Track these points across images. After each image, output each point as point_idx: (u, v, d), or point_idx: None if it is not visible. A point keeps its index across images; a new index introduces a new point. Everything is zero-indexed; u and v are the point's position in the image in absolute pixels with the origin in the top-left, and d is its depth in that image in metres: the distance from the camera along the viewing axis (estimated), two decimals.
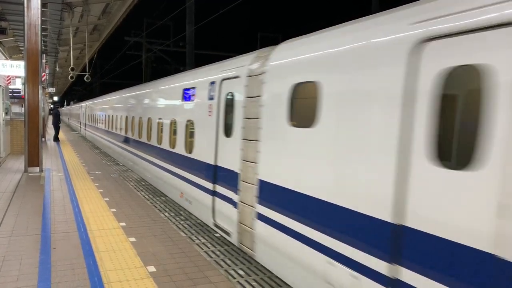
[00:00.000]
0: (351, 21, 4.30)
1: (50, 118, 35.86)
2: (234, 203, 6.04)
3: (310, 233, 4.25)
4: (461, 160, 3.01)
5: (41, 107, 12.20)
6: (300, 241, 4.40)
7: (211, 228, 6.96)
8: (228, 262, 5.47)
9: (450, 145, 3.25)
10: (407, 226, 3.15)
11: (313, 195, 4.23)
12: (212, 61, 7.91)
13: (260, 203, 5.25)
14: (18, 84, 17.24)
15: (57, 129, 23.59)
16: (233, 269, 5.22)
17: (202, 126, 7.46)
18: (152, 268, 5.02)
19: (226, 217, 6.30)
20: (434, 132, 3.01)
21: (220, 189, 6.56)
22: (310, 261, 4.24)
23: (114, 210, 7.80)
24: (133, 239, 6.12)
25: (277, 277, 5.01)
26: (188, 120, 8.11)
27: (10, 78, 15.71)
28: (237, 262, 5.49)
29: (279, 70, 5.13)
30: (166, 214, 7.81)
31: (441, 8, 3.07)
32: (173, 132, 9.13)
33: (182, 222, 7.33)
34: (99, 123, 21.36)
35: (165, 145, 9.55)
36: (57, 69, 30.28)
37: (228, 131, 6.40)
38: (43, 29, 13.29)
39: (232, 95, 6.36)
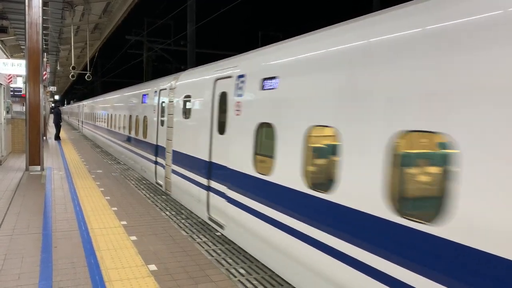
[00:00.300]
0: (201, 66, 9.06)
1: (51, 116, 35.90)
2: (163, 166, 9.94)
3: (192, 176, 7.90)
4: (221, 130, 6.72)
5: (42, 106, 12.21)
6: (186, 180, 8.22)
7: (212, 227, 6.97)
8: (229, 261, 5.48)
9: (223, 125, 6.62)
10: (212, 162, 6.95)
11: (187, 152, 8.26)
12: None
13: (173, 163, 9.13)
14: (19, 83, 17.26)
15: (58, 128, 23.60)
16: (234, 268, 5.22)
17: (149, 120, 11.41)
18: (153, 267, 5.03)
19: (160, 175, 10.29)
20: (217, 118, 6.96)
21: (158, 159, 10.47)
22: (191, 190, 7.92)
23: (115, 208, 7.80)
24: (134, 237, 6.12)
25: (277, 275, 5.01)
26: (143, 116, 12.18)
27: (11, 77, 15.72)
28: (238, 261, 5.49)
29: (180, 87, 9.21)
30: (167, 212, 7.82)
31: (221, 67, 7.17)
32: (130, 124, 13.89)
33: (183, 220, 7.33)
34: (92, 119, 26.75)
35: (127, 132, 14.55)
36: (58, 68, 30.30)
37: (162, 122, 10.16)
38: (44, 28, 13.29)
39: (163, 100, 10.22)
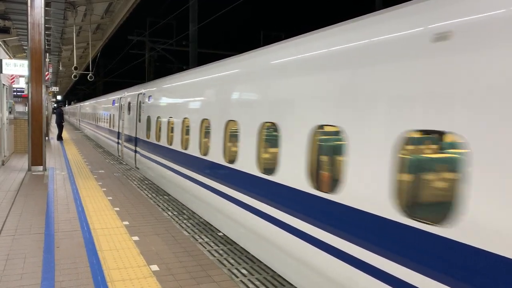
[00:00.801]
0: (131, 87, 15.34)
1: (54, 117, 35.95)
2: (119, 144, 16.45)
3: (128, 145, 14.47)
4: (139, 120, 13.19)
5: (44, 106, 12.23)
6: (126, 148, 14.90)
7: (214, 227, 6.97)
8: (231, 261, 5.47)
9: (139, 117, 13.22)
10: (137, 137, 13.33)
11: (127, 133, 14.78)
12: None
13: (124, 141, 15.38)
14: (21, 83, 17.28)
15: (60, 128, 23.65)
16: (236, 268, 5.22)
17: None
18: (155, 267, 5.03)
19: (119, 150, 16.39)
20: (138, 114, 13.29)
21: (119, 141, 16.57)
22: (129, 153, 14.34)
23: (117, 209, 7.81)
24: (136, 238, 6.13)
25: (280, 276, 5.00)
26: (112, 114, 18.57)
27: (14, 77, 15.75)
28: (240, 261, 5.49)
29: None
30: (169, 213, 7.82)
31: (140, 88, 13.91)
32: (111, 121, 19.05)
33: (185, 221, 7.33)
34: (85, 118, 33.76)
35: (106, 125, 20.42)
36: (61, 68, 30.32)
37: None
38: (46, 28, 13.30)
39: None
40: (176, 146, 8.89)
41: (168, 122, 9.67)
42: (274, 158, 5.06)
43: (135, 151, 13.39)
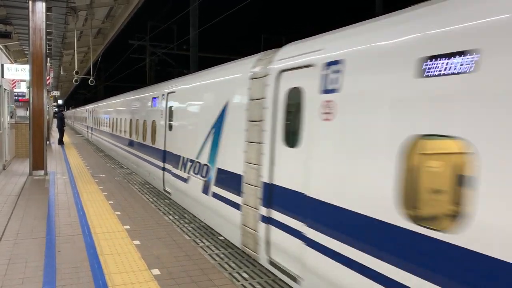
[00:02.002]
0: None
1: (55, 121, 35.99)
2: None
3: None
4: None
5: (45, 111, 12.26)
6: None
7: (215, 231, 6.97)
8: (232, 265, 5.47)
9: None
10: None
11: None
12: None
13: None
14: (23, 88, 17.33)
15: (61, 132, 23.68)
16: (237, 272, 5.22)
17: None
18: (156, 271, 5.03)
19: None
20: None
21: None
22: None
23: (119, 213, 7.81)
24: (137, 242, 6.13)
25: (281, 280, 5.00)
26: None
27: (15, 82, 15.79)
28: (241, 265, 5.49)
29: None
30: (170, 217, 7.82)
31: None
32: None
33: (186, 225, 7.33)
34: (78, 120, 41.84)
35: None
36: (62, 72, 30.40)
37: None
38: (47, 33, 13.37)
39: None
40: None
41: None
42: None
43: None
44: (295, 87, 4.83)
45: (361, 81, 3.80)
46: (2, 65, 12.94)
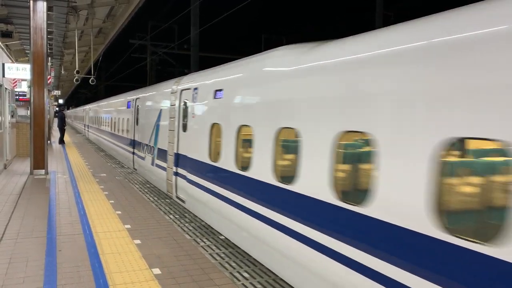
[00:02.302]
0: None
1: (55, 120, 36.06)
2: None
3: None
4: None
5: (46, 110, 12.27)
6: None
7: (216, 231, 6.97)
8: (233, 264, 5.47)
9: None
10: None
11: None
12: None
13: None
14: (24, 87, 17.35)
15: (62, 132, 23.70)
16: (238, 272, 5.22)
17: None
18: (157, 271, 5.03)
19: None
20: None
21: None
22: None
23: (119, 212, 7.82)
24: (138, 241, 6.13)
25: (281, 279, 5.00)
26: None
27: (16, 81, 15.80)
28: (241, 264, 5.49)
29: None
30: (171, 216, 7.83)
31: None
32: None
33: (186, 224, 7.34)
34: (76, 119, 47.75)
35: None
36: (63, 72, 30.44)
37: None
38: (48, 32, 13.38)
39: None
40: None
41: None
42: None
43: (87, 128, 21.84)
44: (185, 99, 8.91)
45: (201, 97, 7.97)
46: (3, 65, 12.96)
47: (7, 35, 15.02)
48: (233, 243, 6.34)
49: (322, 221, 4.31)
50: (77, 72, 19.96)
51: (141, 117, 13.02)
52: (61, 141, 23.27)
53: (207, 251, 5.91)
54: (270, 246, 5.27)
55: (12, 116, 15.46)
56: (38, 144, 11.85)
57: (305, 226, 4.55)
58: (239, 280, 4.94)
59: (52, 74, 24.38)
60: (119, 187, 10.44)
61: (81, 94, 76.58)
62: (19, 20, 13.43)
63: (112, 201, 8.72)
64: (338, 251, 4.00)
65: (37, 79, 11.74)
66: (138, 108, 13.53)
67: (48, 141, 19.16)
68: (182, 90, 9.02)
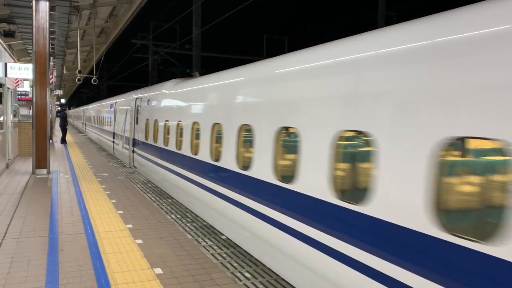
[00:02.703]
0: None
1: (58, 120, 36.16)
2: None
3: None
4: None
5: (48, 110, 12.28)
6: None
7: (217, 231, 6.97)
8: (235, 264, 5.47)
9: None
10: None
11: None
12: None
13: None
14: (26, 87, 17.38)
15: (64, 131, 23.73)
16: (240, 272, 5.22)
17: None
18: (158, 270, 5.03)
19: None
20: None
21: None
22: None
23: (121, 212, 7.83)
24: (139, 241, 6.14)
25: (283, 279, 5.00)
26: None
27: (18, 81, 15.83)
28: (243, 264, 5.49)
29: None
30: (173, 216, 7.83)
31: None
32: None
33: (188, 224, 7.34)
34: (76, 118, 53.34)
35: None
36: (65, 71, 30.50)
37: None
38: (51, 32, 13.39)
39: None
40: None
41: None
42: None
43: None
44: (137, 104, 13.76)
45: (142, 104, 13.04)
46: (6, 64, 12.98)
47: (9, 34, 15.05)
48: (230, 240, 6.34)
49: (245, 187, 5.91)
50: (79, 71, 19.99)
51: (117, 115, 18.31)
52: (63, 140, 23.30)
53: (208, 251, 5.91)
54: (184, 190, 8.69)
55: (14, 116, 15.49)
56: (40, 144, 11.88)
57: (221, 187, 6.71)
58: (240, 280, 4.94)
59: (54, 73, 24.42)
60: (120, 186, 10.45)
61: (83, 94, 76.66)
62: (21, 20, 13.46)
63: (114, 201, 8.73)
64: (276, 219, 5.08)
65: (39, 78, 11.76)
66: (116, 109, 18.87)
67: (50, 141, 19.19)
68: (136, 98, 14.08)
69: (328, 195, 4.08)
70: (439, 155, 2.99)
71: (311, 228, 4.32)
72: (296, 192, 4.63)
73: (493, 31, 2.78)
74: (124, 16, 17.69)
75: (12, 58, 15.48)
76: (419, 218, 3.09)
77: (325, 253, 4.11)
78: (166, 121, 10.10)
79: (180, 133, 9.00)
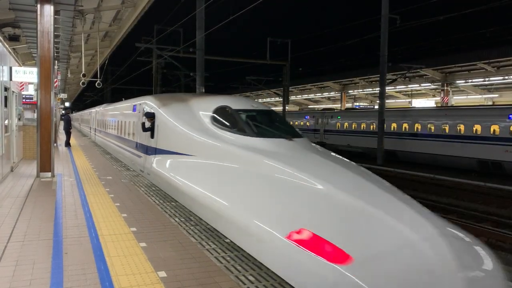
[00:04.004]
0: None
1: (62, 123, 36.41)
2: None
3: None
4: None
5: (53, 113, 12.33)
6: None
7: (221, 234, 6.97)
8: (239, 268, 5.47)
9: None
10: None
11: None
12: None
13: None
14: (30, 90, 17.47)
15: (68, 135, 23.83)
16: (244, 275, 5.21)
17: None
18: (163, 274, 5.04)
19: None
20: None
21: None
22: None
23: (125, 215, 7.84)
24: (144, 244, 6.15)
25: (287, 283, 4.99)
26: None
27: (23, 84, 15.93)
28: (247, 268, 5.48)
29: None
30: (177, 219, 7.84)
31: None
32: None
33: (192, 227, 7.34)
34: (76, 120, 56.49)
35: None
36: (69, 75, 30.62)
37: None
38: (55, 36, 13.47)
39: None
40: None
41: None
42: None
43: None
44: (96, 112, 28.24)
45: (99, 113, 25.49)
46: (11, 68, 13.06)
47: (14, 38, 15.14)
48: (236, 244, 6.34)
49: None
50: (84, 75, 20.09)
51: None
52: (67, 144, 23.39)
53: (212, 254, 5.91)
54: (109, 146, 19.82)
55: (19, 119, 15.57)
56: (44, 147, 11.92)
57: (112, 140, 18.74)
58: (244, 284, 4.94)
59: (59, 77, 24.55)
60: (124, 190, 10.47)
61: (87, 97, 77.04)
62: (26, 24, 13.53)
63: (118, 204, 8.75)
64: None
65: (44, 82, 11.81)
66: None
67: (55, 144, 19.29)
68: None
69: (124, 136, 14.90)
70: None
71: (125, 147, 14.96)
72: (122, 137, 15.15)
73: (123, 106, 15.49)
74: (128, 20, 17.77)
75: (17, 62, 15.58)
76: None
77: (126, 151, 14.64)
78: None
79: (105, 125, 20.98)
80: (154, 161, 10.44)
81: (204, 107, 8.83)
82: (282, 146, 7.04)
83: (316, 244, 4.49)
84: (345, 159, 7.07)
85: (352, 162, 6.89)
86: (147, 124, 10.72)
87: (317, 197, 5.42)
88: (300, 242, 4.66)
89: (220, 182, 7.04)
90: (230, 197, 6.46)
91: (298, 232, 4.78)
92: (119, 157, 16.75)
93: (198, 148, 8.11)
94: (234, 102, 8.66)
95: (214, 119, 8.36)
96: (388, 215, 4.80)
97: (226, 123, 8.12)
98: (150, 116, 10.59)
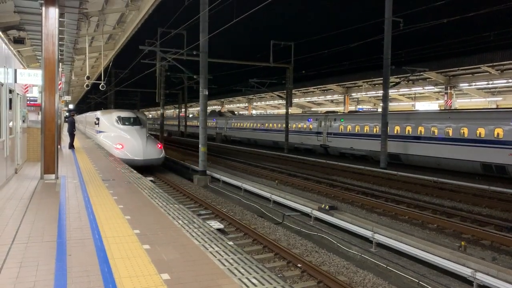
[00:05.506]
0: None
1: (65, 125, 37.14)
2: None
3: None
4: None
5: (57, 115, 12.38)
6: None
7: (224, 236, 6.97)
8: (242, 270, 5.47)
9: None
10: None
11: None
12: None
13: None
14: (35, 92, 17.55)
15: (72, 137, 23.89)
16: (247, 278, 5.21)
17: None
18: (166, 276, 5.04)
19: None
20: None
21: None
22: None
23: (129, 217, 7.86)
24: (147, 246, 6.16)
25: (291, 286, 4.98)
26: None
27: (27, 87, 16.01)
28: (250, 270, 5.48)
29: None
30: (180, 221, 7.84)
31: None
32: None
33: (195, 230, 7.35)
34: (77, 122, 65.44)
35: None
36: (73, 77, 30.78)
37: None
38: (60, 39, 13.54)
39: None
40: None
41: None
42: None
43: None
44: (84, 118, 47.40)
45: (89, 119, 38.53)
46: (15, 70, 13.13)
47: (19, 41, 15.24)
48: (239, 247, 6.34)
49: None
50: (88, 77, 20.18)
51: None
52: (71, 146, 23.45)
53: (215, 257, 5.91)
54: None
55: (23, 121, 15.64)
56: (48, 149, 11.96)
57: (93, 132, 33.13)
58: (248, 286, 4.93)
59: (63, 79, 24.70)
60: (128, 192, 10.49)
61: (91, 100, 77.28)
62: (31, 26, 13.62)
63: (121, 206, 8.77)
64: None
65: (48, 84, 11.86)
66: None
67: (58, 146, 19.35)
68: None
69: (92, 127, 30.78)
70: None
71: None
72: (92, 128, 30.74)
73: (90, 115, 34.35)
74: (132, 23, 17.85)
75: (22, 64, 15.65)
76: None
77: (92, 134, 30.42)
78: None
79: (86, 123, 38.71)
80: (99, 136, 25.19)
81: (114, 115, 23.84)
82: (130, 129, 22.59)
83: (120, 146, 21.14)
84: (151, 136, 24.76)
85: (152, 136, 24.50)
86: (96, 122, 25.72)
87: (124, 137, 21.98)
88: (117, 147, 21.21)
89: (110, 137, 22.78)
90: (109, 139, 22.81)
91: (117, 144, 21.41)
92: (91, 137, 32.76)
93: (110, 129, 23.57)
94: (122, 112, 24.19)
95: (116, 119, 23.47)
96: (133, 138, 21.78)
97: (118, 120, 23.33)
98: (97, 118, 25.77)
